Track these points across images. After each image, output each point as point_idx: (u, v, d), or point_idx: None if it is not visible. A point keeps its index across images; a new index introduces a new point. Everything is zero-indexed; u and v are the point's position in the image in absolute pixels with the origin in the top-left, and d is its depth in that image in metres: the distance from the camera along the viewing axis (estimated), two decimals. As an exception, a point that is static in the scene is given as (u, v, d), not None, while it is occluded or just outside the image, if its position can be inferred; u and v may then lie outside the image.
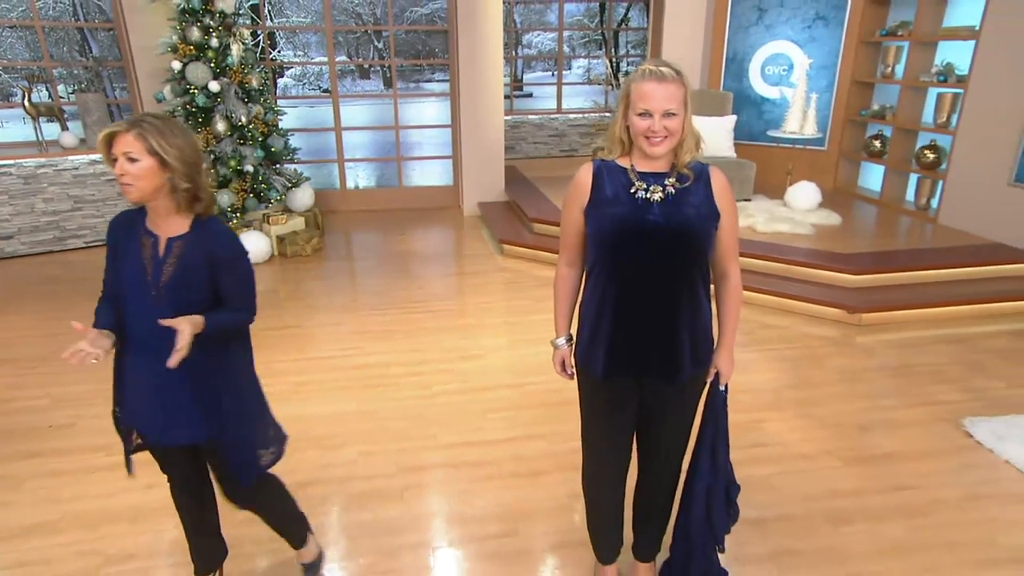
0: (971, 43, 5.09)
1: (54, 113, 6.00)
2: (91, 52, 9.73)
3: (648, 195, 1.68)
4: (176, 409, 1.78)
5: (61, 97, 7.18)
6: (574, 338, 1.91)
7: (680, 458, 1.99)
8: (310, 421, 3.20)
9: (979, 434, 3.00)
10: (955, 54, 5.41)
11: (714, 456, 1.92)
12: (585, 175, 1.75)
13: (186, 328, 1.59)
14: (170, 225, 1.71)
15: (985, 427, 3.04)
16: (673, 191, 1.68)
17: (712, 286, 1.85)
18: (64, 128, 5.97)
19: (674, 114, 1.59)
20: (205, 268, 1.70)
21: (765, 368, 3.76)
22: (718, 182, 1.72)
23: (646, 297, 1.72)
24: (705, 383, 1.90)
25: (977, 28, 5.01)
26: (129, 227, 1.74)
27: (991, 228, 4.98)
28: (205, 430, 1.80)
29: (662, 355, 1.77)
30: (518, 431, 3.10)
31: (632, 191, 1.69)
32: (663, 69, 1.59)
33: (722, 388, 1.89)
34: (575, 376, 1.94)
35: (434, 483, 2.74)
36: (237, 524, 2.26)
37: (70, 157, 5.83)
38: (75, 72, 10.19)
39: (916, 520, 2.51)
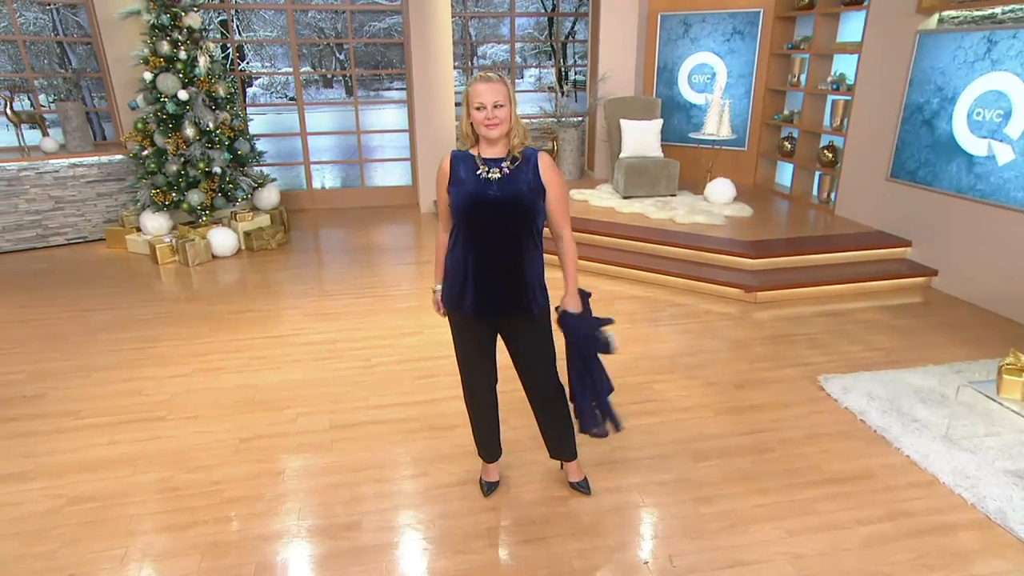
0: (856, 56, 5.47)
1: (35, 120, 6.13)
2: (70, 64, 9.77)
3: (489, 175, 2.08)
4: None
5: (43, 105, 7.29)
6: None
7: (546, 370, 2.35)
8: (260, 388, 3.46)
9: (830, 388, 3.35)
10: (847, 65, 5.79)
11: (584, 372, 2.27)
12: (445, 164, 2.16)
13: None
14: None
15: (836, 382, 3.39)
16: (508, 171, 2.08)
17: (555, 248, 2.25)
18: (45, 134, 6.10)
19: (502, 105, 2.00)
20: None
21: (667, 339, 4.08)
22: (543, 163, 2.12)
23: (491, 252, 2.13)
24: (547, 316, 2.27)
25: (860, 42, 5.39)
26: None
27: (875, 218, 5.37)
28: None
29: (508, 296, 2.16)
30: (441, 393, 3.37)
31: (478, 173, 2.09)
32: (490, 74, 2.02)
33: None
34: (447, 314, 2.32)
35: (361, 437, 3.01)
36: None
37: (51, 161, 5.97)
38: (55, 82, 10.22)
39: (763, 455, 2.84)
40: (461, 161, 2.13)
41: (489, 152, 2.10)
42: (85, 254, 5.94)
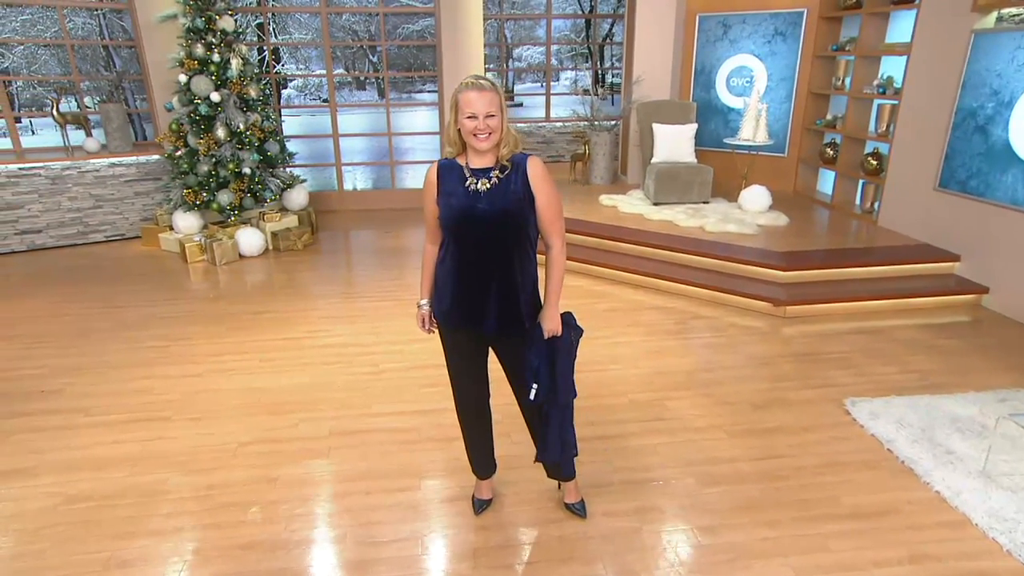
0: (905, 57, 5.15)
1: (80, 121, 6.36)
2: (115, 67, 10.17)
3: (478, 187, 1.97)
4: None
5: (88, 107, 7.56)
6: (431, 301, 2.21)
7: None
8: (267, 391, 3.46)
9: (856, 412, 3.13)
10: (895, 68, 5.47)
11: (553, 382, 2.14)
12: (432, 174, 2.05)
13: None
14: None
15: (864, 407, 3.17)
16: (497, 181, 1.97)
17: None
18: (88, 135, 6.31)
19: (494, 115, 1.89)
20: None
21: (686, 353, 3.91)
22: (532, 169, 1.98)
23: (481, 265, 2.03)
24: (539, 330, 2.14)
25: (909, 43, 5.08)
26: None
27: (921, 230, 5.05)
28: None
29: (500, 311, 2.06)
30: (444, 403, 3.22)
31: (466, 184, 1.98)
32: (482, 81, 1.88)
33: (560, 335, 2.10)
34: (435, 330, 2.24)
35: (359, 445, 2.96)
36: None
37: (93, 160, 6.18)
38: (100, 85, 10.63)
39: (776, 483, 2.66)
40: (449, 171, 2.03)
41: (477, 162, 2.00)
42: (122, 251, 6.12)
